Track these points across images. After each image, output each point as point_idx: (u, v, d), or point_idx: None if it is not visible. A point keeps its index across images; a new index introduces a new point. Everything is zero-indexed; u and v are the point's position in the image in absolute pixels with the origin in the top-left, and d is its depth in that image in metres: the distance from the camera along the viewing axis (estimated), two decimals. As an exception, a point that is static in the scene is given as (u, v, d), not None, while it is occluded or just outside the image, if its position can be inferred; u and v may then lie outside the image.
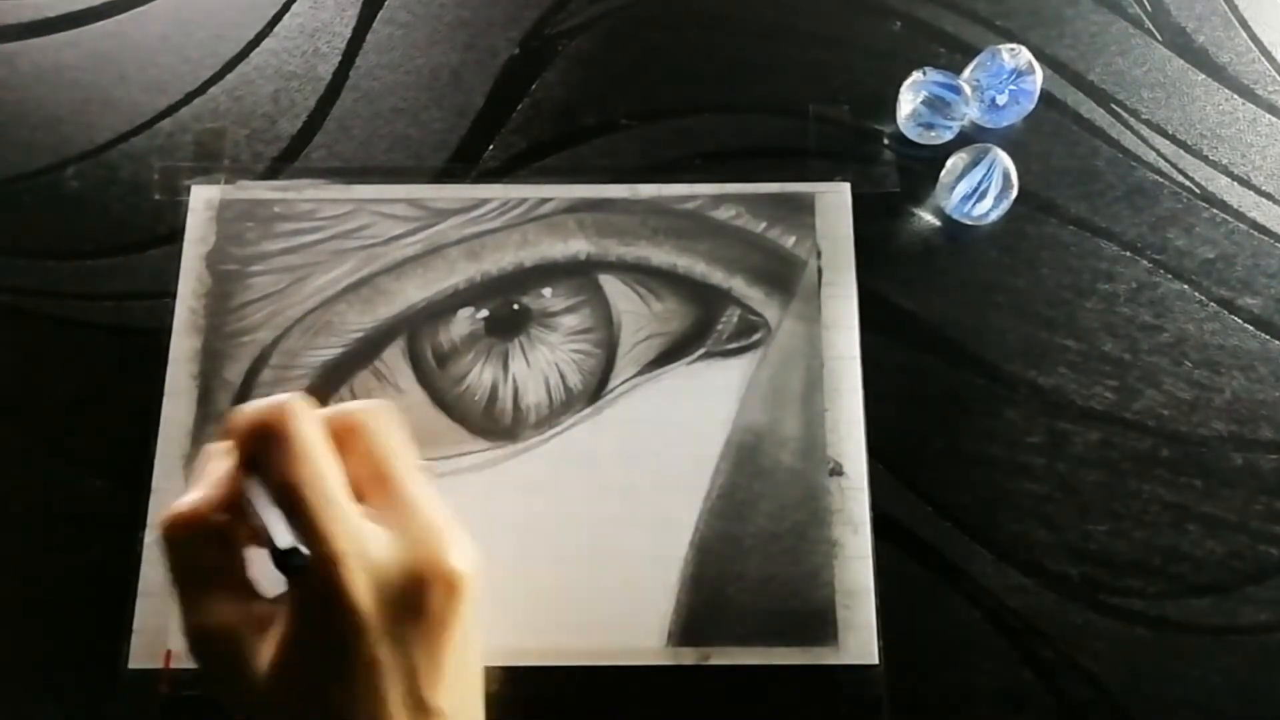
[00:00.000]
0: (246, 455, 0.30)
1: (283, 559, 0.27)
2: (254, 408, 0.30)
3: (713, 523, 0.37)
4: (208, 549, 0.30)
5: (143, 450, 0.38)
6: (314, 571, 0.28)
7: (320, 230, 0.41)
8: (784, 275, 0.40)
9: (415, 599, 0.28)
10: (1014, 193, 0.40)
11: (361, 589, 0.28)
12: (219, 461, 0.30)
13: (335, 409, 0.32)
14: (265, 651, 0.28)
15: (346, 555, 0.28)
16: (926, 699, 0.36)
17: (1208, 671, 0.36)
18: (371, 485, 0.30)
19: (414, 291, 0.40)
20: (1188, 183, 0.42)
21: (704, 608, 0.36)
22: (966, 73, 0.42)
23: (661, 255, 0.40)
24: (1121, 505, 0.38)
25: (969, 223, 0.41)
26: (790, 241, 0.41)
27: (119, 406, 0.38)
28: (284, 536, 0.27)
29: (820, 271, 0.40)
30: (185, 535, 0.29)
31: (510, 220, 0.41)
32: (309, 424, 0.30)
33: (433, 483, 0.32)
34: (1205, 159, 0.43)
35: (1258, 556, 0.37)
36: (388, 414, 0.32)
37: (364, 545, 0.28)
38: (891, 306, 0.40)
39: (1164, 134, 0.43)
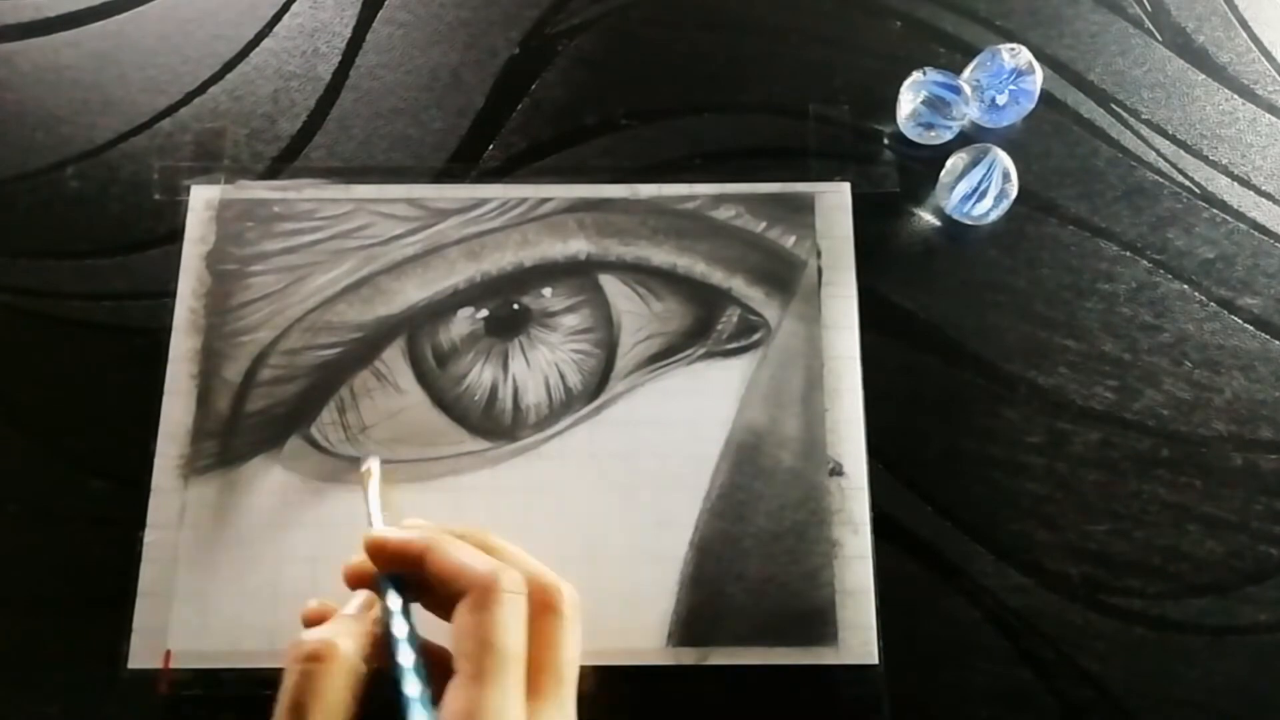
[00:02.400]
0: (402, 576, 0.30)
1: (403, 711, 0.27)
2: (462, 557, 0.30)
3: (713, 523, 0.37)
4: (336, 684, 0.29)
5: (143, 450, 0.38)
6: None
7: (320, 230, 0.41)
8: (784, 275, 0.40)
9: None
10: (1014, 193, 0.40)
11: None
12: (362, 597, 0.31)
13: (543, 576, 0.31)
14: None
15: None
16: (926, 699, 0.36)
17: (1208, 671, 0.36)
18: (540, 671, 0.29)
19: (414, 291, 0.40)
20: (1188, 183, 0.42)
21: (704, 608, 0.36)
22: (966, 73, 0.42)
23: (661, 255, 0.40)
24: (1121, 505, 0.38)
25: (969, 223, 0.41)
26: (790, 241, 0.41)
27: (119, 406, 0.38)
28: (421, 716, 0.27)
29: (820, 271, 0.40)
30: (319, 670, 0.28)
31: (510, 220, 0.41)
32: (521, 606, 0.29)
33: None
34: (1205, 159, 0.43)
35: (1258, 556, 0.37)
36: (576, 602, 0.31)
37: None
38: (891, 306, 0.40)
39: (1164, 134, 0.43)
